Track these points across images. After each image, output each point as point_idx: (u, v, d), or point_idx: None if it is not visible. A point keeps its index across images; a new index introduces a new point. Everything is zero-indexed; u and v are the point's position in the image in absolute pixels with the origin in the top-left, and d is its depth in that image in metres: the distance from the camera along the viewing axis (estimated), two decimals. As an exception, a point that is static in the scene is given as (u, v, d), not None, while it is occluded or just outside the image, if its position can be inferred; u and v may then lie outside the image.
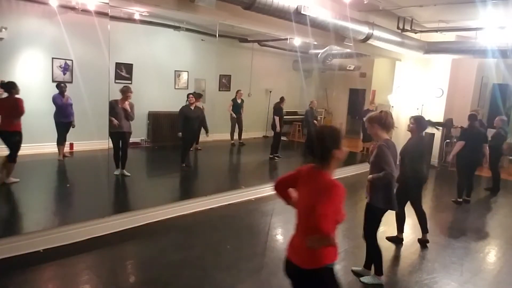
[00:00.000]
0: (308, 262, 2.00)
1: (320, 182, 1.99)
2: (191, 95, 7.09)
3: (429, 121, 4.72)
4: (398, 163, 3.63)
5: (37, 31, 7.03)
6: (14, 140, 5.07)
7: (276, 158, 8.60)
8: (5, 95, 5.19)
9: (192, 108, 6.94)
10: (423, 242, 4.72)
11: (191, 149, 8.69)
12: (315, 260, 1.99)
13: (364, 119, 3.63)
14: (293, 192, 2.21)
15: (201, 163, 8.79)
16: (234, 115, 9.34)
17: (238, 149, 9.64)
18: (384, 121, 3.45)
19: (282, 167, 8.49)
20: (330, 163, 2.04)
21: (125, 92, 6.01)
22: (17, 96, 5.13)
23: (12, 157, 5.11)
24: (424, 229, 4.75)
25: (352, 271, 3.86)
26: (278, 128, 8.46)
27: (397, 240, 4.72)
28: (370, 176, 3.47)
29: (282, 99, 8.68)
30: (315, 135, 2.06)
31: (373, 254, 3.66)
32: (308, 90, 12.18)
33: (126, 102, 6.01)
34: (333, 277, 2.07)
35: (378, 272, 3.66)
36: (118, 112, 5.91)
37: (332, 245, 1.92)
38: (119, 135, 5.99)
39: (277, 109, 8.64)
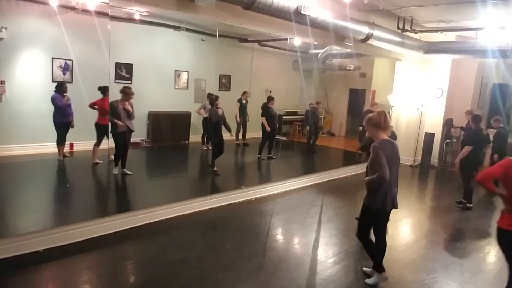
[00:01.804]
0: None
1: None
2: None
3: None
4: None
5: (37, 31, 7.03)
6: (102, 131, 6.19)
7: (263, 159, 8.52)
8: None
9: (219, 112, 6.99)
10: None
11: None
12: None
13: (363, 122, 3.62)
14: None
15: (201, 163, 8.79)
16: (238, 118, 9.13)
17: (238, 149, 9.63)
18: (375, 121, 3.42)
19: (283, 167, 8.49)
20: None
21: (127, 93, 6.05)
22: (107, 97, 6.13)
23: (98, 142, 6.40)
24: None
25: (363, 271, 3.88)
26: (267, 128, 8.31)
27: None
28: (366, 178, 3.48)
29: (269, 98, 8.49)
30: None
31: (378, 250, 3.66)
32: (308, 90, 12.18)
33: (127, 103, 6.05)
34: None
35: (380, 268, 3.67)
36: (120, 113, 5.95)
37: None
38: (124, 135, 6.05)
39: (263, 109, 8.44)
